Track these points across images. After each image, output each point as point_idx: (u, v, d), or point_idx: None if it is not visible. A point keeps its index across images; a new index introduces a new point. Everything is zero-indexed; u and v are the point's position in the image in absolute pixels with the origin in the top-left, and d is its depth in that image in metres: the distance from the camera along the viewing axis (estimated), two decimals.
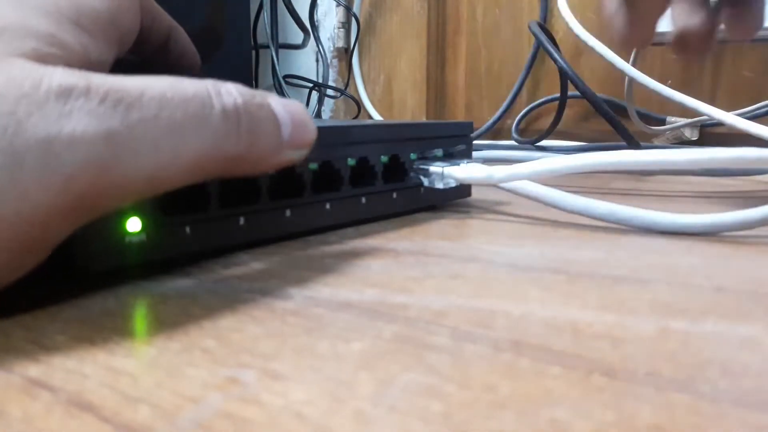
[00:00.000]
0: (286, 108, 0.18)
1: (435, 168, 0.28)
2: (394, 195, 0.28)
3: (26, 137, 0.13)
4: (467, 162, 0.29)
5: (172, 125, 0.15)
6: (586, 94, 0.46)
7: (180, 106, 0.15)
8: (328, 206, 0.24)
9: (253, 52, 0.74)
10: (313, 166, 0.24)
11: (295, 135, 0.18)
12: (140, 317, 0.16)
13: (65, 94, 0.14)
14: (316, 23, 0.79)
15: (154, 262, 0.19)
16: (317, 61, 0.83)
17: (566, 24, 0.53)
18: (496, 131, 0.71)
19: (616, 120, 0.45)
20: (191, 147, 0.15)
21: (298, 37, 0.76)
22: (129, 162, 0.14)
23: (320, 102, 0.79)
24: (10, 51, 0.14)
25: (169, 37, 0.23)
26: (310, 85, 0.80)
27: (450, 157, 0.30)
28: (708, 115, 0.45)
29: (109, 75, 0.15)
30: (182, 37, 0.24)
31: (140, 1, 0.21)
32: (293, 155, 0.18)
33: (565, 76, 0.49)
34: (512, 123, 0.70)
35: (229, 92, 0.16)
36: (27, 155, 0.13)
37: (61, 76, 0.14)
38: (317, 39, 0.79)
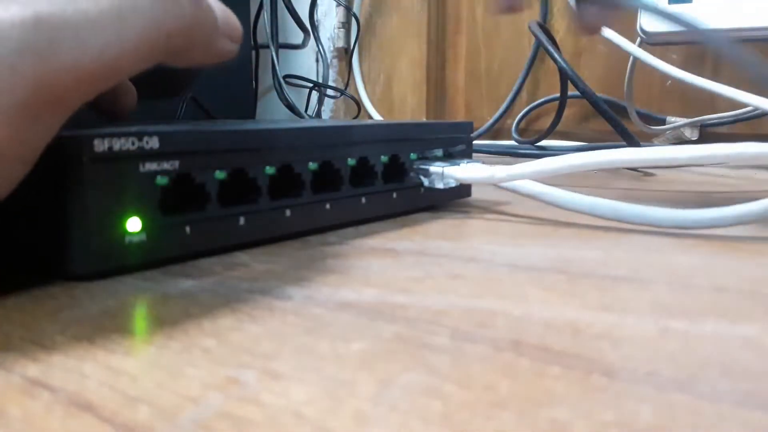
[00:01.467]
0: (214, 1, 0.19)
1: (435, 168, 0.28)
2: (394, 195, 0.28)
3: None
4: (467, 162, 0.29)
5: (106, 2, 0.15)
6: (586, 94, 0.46)
7: None
8: (328, 206, 0.24)
9: (253, 52, 0.74)
10: (313, 166, 0.24)
11: (227, 24, 0.19)
12: (140, 317, 0.16)
13: None
14: (316, 23, 0.79)
15: (154, 262, 0.19)
16: (317, 61, 0.83)
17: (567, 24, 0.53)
18: (496, 131, 0.71)
19: (616, 120, 0.45)
20: (133, 22, 0.15)
21: (298, 37, 0.76)
22: (69, 45, 0.14)
23: (320, 102, 0.79)
24: None
25: None
26: (310, 85, 0.80)
27: (450, 157, 0.30)
28: (754, 106, 0.45)
29: None
30: None
31: None
32: (228, 46, 0.19)
33: (565, 76, 0.49)
34: (512, 123, 0.70)
35: None
36: None
37: None
38: (317, 39, 0.79)
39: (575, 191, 0.27)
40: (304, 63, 0.84)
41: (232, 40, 0.19)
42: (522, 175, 0.27)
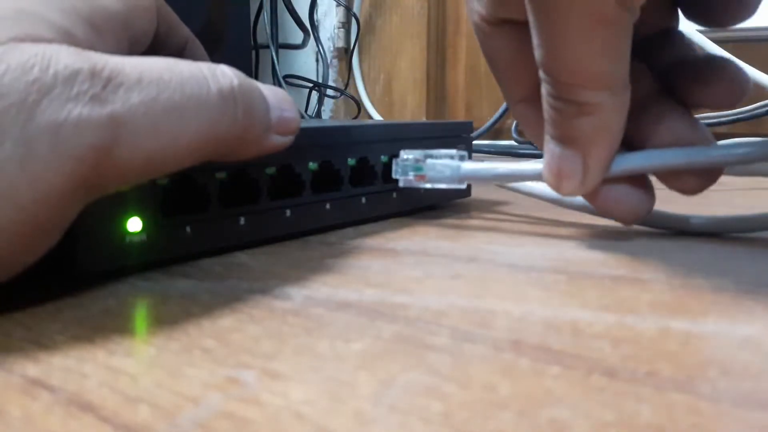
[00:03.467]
0: (273, 93, 0.19)
1: None
2: (394, 195, 0.28)
3: (36, 123, 0.13)
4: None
5: (170, 107, 0.15)
6: None
7: (177, 88, 0.16)
8: (328, 206, 0.24)
9: (253, 52, 0.74)
10: (313, 166, 0.24)
11: (281, 120, 0.19)
12: (140, 317, 0.16)
13: (71, 78, 0.14)
14: (316, 23, 0.79)
15: (155, 262, 0.19)
16: (317, 61, 0.83)
17: None
18: (496, 131, 0.71)
19: None
20: (190, 128, 0.16)
21: (298, 37, 0.76)
22: (129, 144, 0.15)
23: (320, 102, 0.79)
24: (23, 35, 0.15)
25: (184, 49, 0.23)
26: (310, 85, 0.80)
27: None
28: None
29: (108, 55, 0.15)
30: (198, 50, 0.24)
31: (158, 8, 0.21)
32: (279, 141, 0.19)
33: None
34: (512, 123, 0.70)
35: (225, 74, 0.17)
36: (37, 141, 0.13)
37: (66, 58, 0.14)
38: (317, 39, 0.79)
39: None
40: (304, 63, 0.84)
41: (284, 135, 0.19)
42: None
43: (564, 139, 0.20)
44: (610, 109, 0.19)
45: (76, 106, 0.14)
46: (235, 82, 0.17)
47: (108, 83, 0.14)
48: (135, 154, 0.15)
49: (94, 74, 0.14)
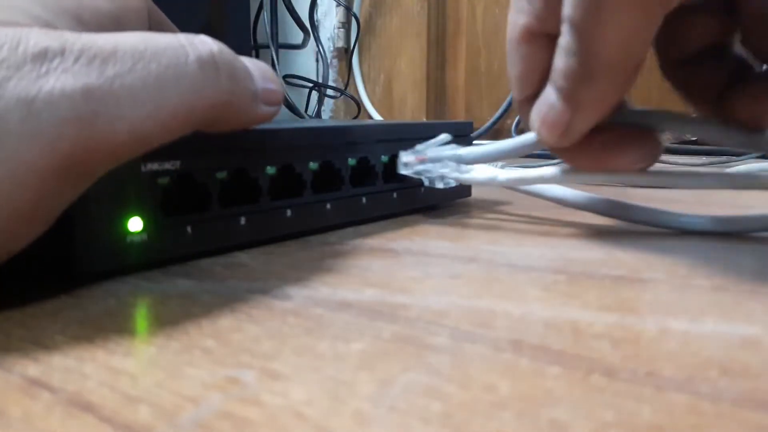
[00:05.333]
0: (254, 64, 0.19)
1: None
2: (394, 195, 0.28)
3: (6, 100, 0.13)
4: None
5: (149, 77, 0.15)
6: None
7: (154, 58, 0.15)
8: (328, 206, 0.24)
9: (253, 52, 0.74)
10: (314, 166, 0.24)
11: (265, 89, 0.19)
12: (140, 317, 0.16)
13: (41, 55, 0.14)
14: (316, 23, 0.79)
15: (155, 262, 0.19)
16: (317, 61, 0.83)
17: None
18: (496, 131, 0.71)
19: None
20: (171, 97, 0.16)
21: (298, 37, 0.76)
22: (110, 116, 0.14)
23: (320, 102, 0.79)
24: None
25: None
26: (310, 85, 0.80)
27: None
28: None
29: (83, 33, 0.15)
30: None
31: (148, 10, 0.21)
32: (267, 110, 0.19)
33: None
34: (512, 123, 0.70)
35: (204, 41, 0.17)
36: (9, 118, 0.13)
37: (36, 37, 0.14)
38: (317, 39, 0.79)
39: (576, 189, 0.27)
40: (304, 63, 0.85)
41: (270, 105, 0.19)
42: (524, 180, 0.26)
43: (561, 90, 0.20)
44: (611, 85, 0.19)
45: (48, 81, 0.14)
46: (215, 48, 0.17)
47: (80, 56, 0.14)
48: (118, 126, 0.15)
49: (64, 50, 0.14)
